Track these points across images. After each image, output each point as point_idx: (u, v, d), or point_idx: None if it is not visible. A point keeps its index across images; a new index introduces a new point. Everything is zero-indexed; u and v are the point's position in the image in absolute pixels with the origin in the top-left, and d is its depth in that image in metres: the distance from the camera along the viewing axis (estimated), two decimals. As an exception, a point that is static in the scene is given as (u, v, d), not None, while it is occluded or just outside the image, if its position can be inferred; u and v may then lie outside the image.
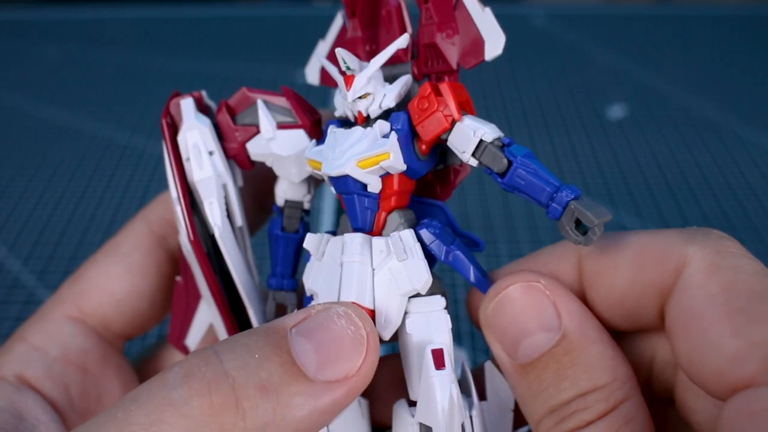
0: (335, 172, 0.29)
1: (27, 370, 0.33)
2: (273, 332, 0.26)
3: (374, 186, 0.30)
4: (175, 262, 0.37)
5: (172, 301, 0.37)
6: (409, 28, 0.32)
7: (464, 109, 0.30)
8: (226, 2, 1.31)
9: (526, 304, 0.28)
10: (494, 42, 0.30)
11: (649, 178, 0.76)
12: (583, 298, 0.30)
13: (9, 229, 0.71)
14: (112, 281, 0.36)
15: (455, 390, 0.28)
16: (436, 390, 0.28)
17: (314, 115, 0.33)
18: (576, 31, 1.10)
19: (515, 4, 1.32)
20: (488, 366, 0.31)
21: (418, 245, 0.29)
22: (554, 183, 0.28)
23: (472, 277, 0.30)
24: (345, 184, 0.30)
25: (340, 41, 0.34)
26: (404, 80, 0.31)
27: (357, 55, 0.31)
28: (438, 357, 0.28)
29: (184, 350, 0.36)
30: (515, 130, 0.85)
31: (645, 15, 1.19)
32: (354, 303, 0.28)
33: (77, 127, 0.88)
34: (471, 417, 0.29)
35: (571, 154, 0.81)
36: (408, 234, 0.30)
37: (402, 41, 0.30)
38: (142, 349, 0.41)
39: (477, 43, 0.30)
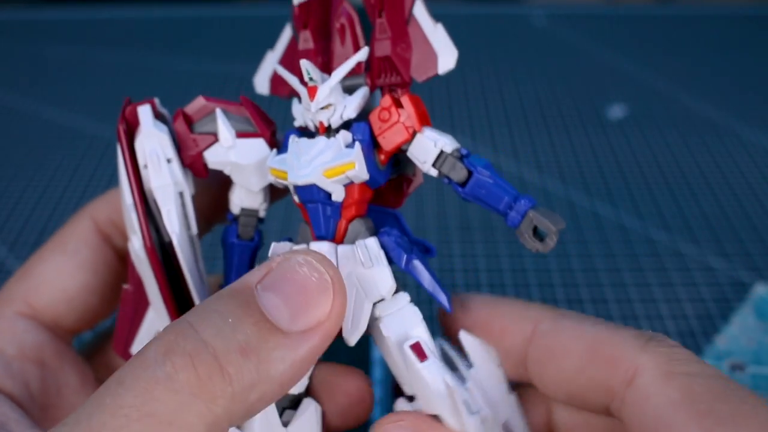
0: (302, 181, 0.30)
1: None
2: (239, 293, 0.26)
3: (338, 195, 0.30)
4: (123, 262, 0.37)
5: (118, 300, 0.36)
6: (363, 42, 0.33)
7: (423, 121, 0.31)
8: (226, 2, 1.31)
9: None
10: (447, 56, 0.31)
11: (649, 178, 0.76)
12: (523, 366, 0.32)
13: (9, 229, 0.71)
14: (64, 278, 0.36)
15: (446, 374, 0.29)
16: (428, 381, 0.29)
17: (271, 125, 0.33)
18: (576, 31, 1.10)
19: (515, 4, 1.32)
20: (462, 335, 0.33)
21: (382, 252, 0.31)
22: (512, 192, 0.30)
23: (427, 285, 0.31)
24: (310, 193, 0.31)
25: (290, 52, 0.35)
26: (363, 92, 0.31)
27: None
28: (418, 350, 0.30)
29: (130, 358, 0.36)
30: (515, 130, 0.85)
31: (645, 15, 1.19)
32: (311, 249, 0.29)
33: (77, 127, 0.88)
34: (469, 389, 0.30)
35: (571, 154, 0.81)
36: (373, 242, 0.31)
37: (362, 54, 0.31)
38: (82, 345, 0.41)
39: (430, 57, 0.31)
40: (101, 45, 1.09)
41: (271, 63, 0.36)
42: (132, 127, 0.34)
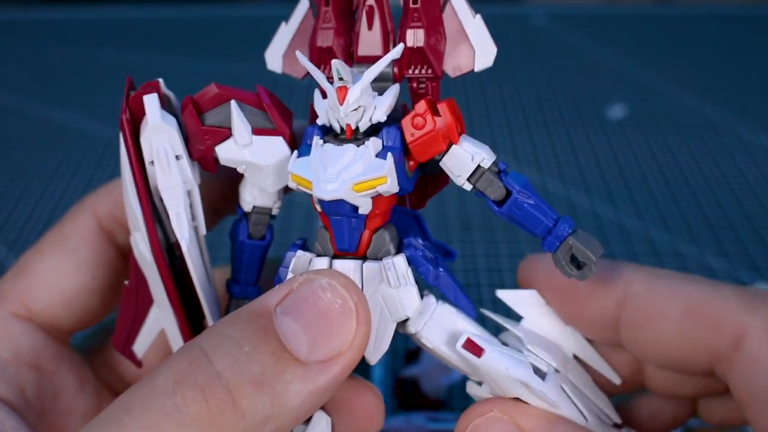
0: (329, 197, 0.28)
1: None
2: (257, 317, 0.25)
3: (365, 208, 0.29)
4: (125, 259, 0.35)
5: (119, 300, 0.35)
6: (391, 26, 0.30)
7: (460, 130, 0.29)
8: (226, 2, 1.31)
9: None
10: (485, 53, 0.29)
11: (649, 178, 0.76)
12: (614, 329, 0.30)
13: (9, 229, 0.70)
14: (62, 279, 0.34)
15: (509, 360, 0.28)
16: (494, 373, 0.28)
17: (290, 119, 0.31)
18: (576, 31, 1.10)
19: (515, 4, 1.32)
20: (500, 293, 0.32)
21: (410, 271, 0.29)
22: (552, 216, 0.28)
23: (453, 297, 0.30)
24: (336, 207, 0.29)
25: (305, 26, 0.32)
26: (394, 92, 0.29)
27: (329, 49, 0.30)
28: (472, 347, 0.28)
29: (131, 356, 0.34)
30: (515, 130, 0.85)
31: (645, 15, 1.19)
32: (336, 271, 0.28)
33: (77, 127, 0.88)
34: (529, 350, 0.30)
35: (571, 154, 0.81)
36: (401, 261, 0.29)
37: (396, 52, 0.28)
38: (79, 341, 0.39)
39: (466, 52, 0.29)
40: (101, 45, 1.09)
41: (285, 37, 0.33)
42: (136, 117, 0.30)
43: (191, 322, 0.33)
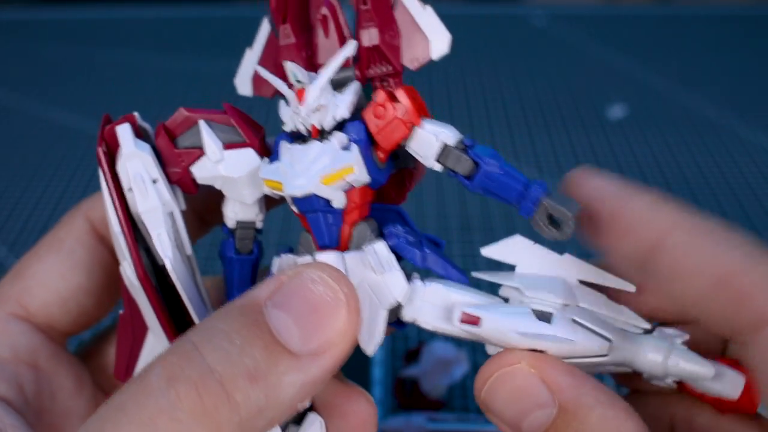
0: (299, 192, 0.28)
1: None
2: (248, 310, 0.25)
3: (339, 201, 0.29)
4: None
5: (116, 301, 0.36)
6: (348, 31, 0.31)
7: (421, 113, 0.29)
8: (226, 2, 1.32)
9: (516, 385, 0.28)
10: (439, 40, 0.29)
11: (649, 178, 0.76)
12: (642, 270, 0.29)
13: (9, 229, 0.71)
14: (58, 279, 0.34)
15: (508, 318, 0.28)
16: (502, 332, 0.28)
17: (259, 131, 0.32)
18: (576, 31, 1.10)
19: (515, 4, 1.32)
20: (484, 250, 0.31)
21: (392, 256, 0.29)
22: (523, 180, 0.28)
23: (444, 272, 0.30)
24: (309, 203, 0.29)
25: (270, 48, 0.33)
26: (354, 88, 0.29)
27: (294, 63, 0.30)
28: (469, 319, 0.28)
29: None
30: (515, 130, 0.85)
31: (645, 15, 1.19)
32: (325, 263, 0.28)
33: (77, 127, 0.88)
34: (529, 296, 0.29)
35: (571, 154, 0.81)
36: (382, 246, 0.29)
37: (350, 49, 0.29)
38: (81, 342, 0.40)
39: (421, 43, 0.29)
40: (101, 45, 1.09)
41: (251, 62, 0.34)
42: (113, 148, 0.32)
43: None
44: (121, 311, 0.34)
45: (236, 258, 0.33)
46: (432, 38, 0.29)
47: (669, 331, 0.30)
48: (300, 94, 0.28)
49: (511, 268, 0.31)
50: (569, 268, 0.30)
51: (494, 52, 1.05)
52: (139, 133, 0.32)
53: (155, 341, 0.33)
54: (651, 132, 0.85)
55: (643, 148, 0.82)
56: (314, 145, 0.29)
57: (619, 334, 0.29)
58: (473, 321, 0.28)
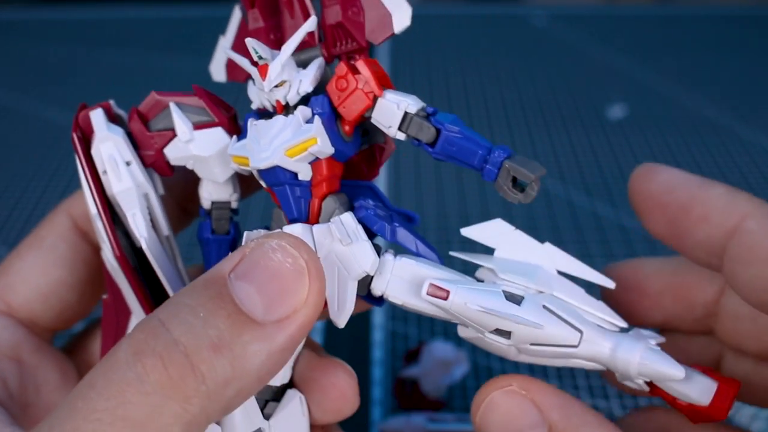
0: (264, 165, 0.29)
1: None
2: (212, 283, 0.25)
3: (305, 174, 0.29)
4: (100, 257, 0.36)
5: (98, 295, 0.36)
6: (312, 11, 0.31)
7: (383, 83, 0.29)
8: (226, 2, 1.32)
9: (508, 408, 0.28)
10: (400, 14, 0.29)
11: (649, 178, 0.76)
12: (718, 258, 0.30)
13: (9, 229, 0.71)
14: (39, 275, 0.35)
15: (477, 294, 0.28)
16: (469, 308, 0.28)
17: (229, 111, 0.32)
18: (576, 31, 1.10)
19: (515, 4, 1.32)
20: (464, 231, 0.32)
21: (360, 227, 0.29)
22: (485, 145, 0.28)
23: (416, 249, 0.30)
24: (275, 176, 0.29)
25: (242, 35, 0.33)
26: (318, 63, 0.30)
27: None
28: (437, 292, 0.28)
29: None
30: (515, 130, 0.85)
31: (645, 15, 1.19)
32: (286, 232, 0.28)
33: (77, 127, 0.88)
34: (503, 278, 0.29)
35: (571, 154, 0.81)
36: (348, 217, 0.29)
37: (310, 24, 0.29)
38: (70, 338, 0.40)
39: (384, 18, 0.29)
40: (101, 45, 1.09)
41: (224, 48, 0.34)
42: (87, 134, 0.32)
43: None
44: (104, 296, 0.34)
45: (213, 239, 0.34)
46: (394, 12, 0.29)
47: (645, 332, 0.30)
48: (263, 70, 0.29)
49: (490, 251, 0.31)
50: (549, 257, 0.30)
51: (494, 52, 1.05)
52: (114, 119, 0.33)
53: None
54: (651, 132, 0.85)
55: (643, 148, 0.82)
56: (278, 120, 0.29)
57: (592, 329, 0.29)
58: (441, 295, 0.28)
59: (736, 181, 0.76)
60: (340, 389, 0.33)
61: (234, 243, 0.34)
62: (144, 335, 0.24)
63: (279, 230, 0.30)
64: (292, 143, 0.28)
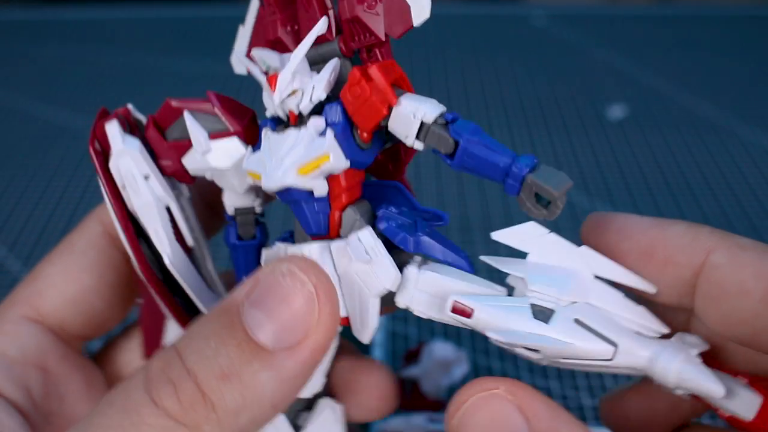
0: (276, 186, 0.27)
1: None
2: (225, 312, 0.25)
3: (321, 189, 0.28)
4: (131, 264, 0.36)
5: (129, 301, 0.36)
6: (329, 3, 0.29)
7: (400, 86, 0.28)
8: (226, 2, 1.31)
9: (492, 412, 0.26)
10: (420, 6, 0.27)
11: (649, 178, 0.76)
12: (690, 297, 0.28)
13: (9, 229, 0.70)
14: (68, 280, 0.35)
15: (503, 312, 0.27)
16: (495, 327, 0.27)
17: (246, 115, 0.31)
18: (576, 31, 1.10)
19: (515, 4, 1.32)
20: (495, 235, 0.29)
21: (379, 242, 0.28)
22: (506, 158, 0.26)
23: (442, 257, 0.28)
24: (289, 194, 0.28)
25: (261, 24, 0.32)
26: (332, 65, 0.28)
27: (279, 40, 0.29)
28: (461, 311, 0.27)
29: None
30: (515, 130, 0.85)
31: (645, 15, 1.19)
32: (297, 255, 0.27)
33: (77, 127, 0.88)
34: (534, 291, 0.27)
35: (571, 154, 0.81)
36: (366, 233, 0.28)
37: (321, 26, 0.28)
38: (100, 346, 0.40)
39: (402, 10, 0.28)
40: (101, 45, 1.09)
41: (244, 39, 0.33)
42: (105, 146, 0.32)
43: None
44: (139, 300, 0.35)
45: (239, 244, 0.33)
46: (413, 4, 0.27)
47: (689, 338, 0.28)
48: (272, 81, 0.27)
49: (523, 255, 0.29)
50: (585, 261, 0.28)
51: (494, 52, 1.05)
52: (134, 125, 0.32)
53: (176, 327, 0.34)
54: (651, 132, 0.85)
55: (643, 148, 0.82)
56: (290, 134, 0.28)
57: (629, 338, 0.27)
58: (465, 313, 0.27)
59: (736, 181, 0.76)
60: (381, 389, 0.33)
61: (261, 247, 0.33)
62: (161, 363, 0.25)
63: (293, 253, 0.29)
64: (303, 161, 0.27)
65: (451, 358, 0.54)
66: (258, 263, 0.33)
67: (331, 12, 0.29)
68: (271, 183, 0.27)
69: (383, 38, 0.28)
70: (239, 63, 0.33)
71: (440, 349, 0.54)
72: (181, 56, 1.03)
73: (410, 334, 0.58)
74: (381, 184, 0.31)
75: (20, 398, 0.32)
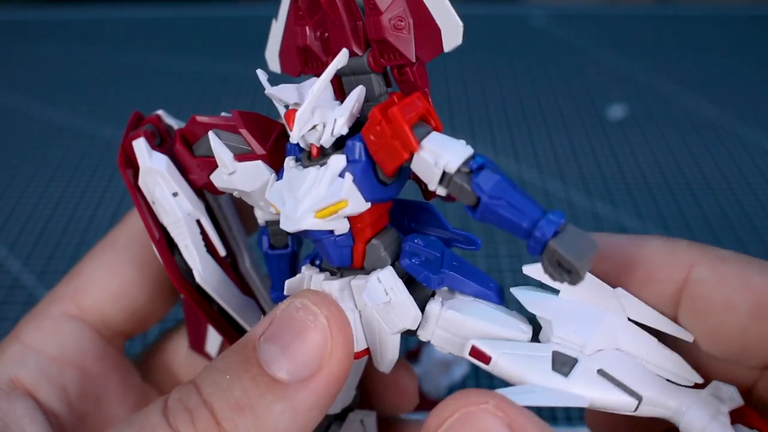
0: (293, 229, 0.26)
1: (21, 373, 0.32)
2: (242, 348, 0.26)
3: (341, 228, 0.27)
4: None
5: (172, 295, 0.36)
6: (357, 12, 0.28)
7: (427, 120, 0.26)
8: (226, 2, 1.31)
9: (479, 428, 0.24)
10: (451, 31, 0.26)
11: (649, 178, 0.76)
12: (674, 313, 0.28)
13: (9, 229, 0.70)
14: (110, 275, 0.35)
15: (520, 363, 0.26)
16: (511, 377, 0.26)
17: (271, 131, 0.30)
18: (576, 31, 1.10)
19: (515, 4, 1.32)
20: (526, 269, 0.28)
21: (399, 282, 0.27)
22: (529, 219, 0.24)
23: (469, 290, 0.28)
24: (307, 235, 0.28)
25: (293, 18, 0.30)
26: (356, 96, 0.27)
27: (308, 47, 0.29)
28: (479, 356, 0.27)
29: (207, 357, 0.36)
30: (515, 131, 0.85)
31: (645, 15, 1.19)
32: (311, 290, 0.28)
33: (77, 127, 0.88)
34: (557, 341, 0.26)
35: (571, 154, 0.81)
36: (387, 273, 0.27)
37: (341, 59, 0.26)
38: (144, 347, 0.40)
39: (433, 33, 0.26)
40: (101, 45, 1.09)
41: (277, 35, 0.31)
42: (135, 160, 0.32)
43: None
44: (182, 296, 0.35)
45: (272, 253, 0.33)
46: (444, 29, 0.26)
47: (725, 390, 0.27)
48: (289, 117, 0.26)
49: (555, 291, 0.28)
50: (619, 303, 0.27)
51: (494, 52, 1.05)
52: (165, 133, 0.32)
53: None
54: (651, 132, 0.85)
55: (643, 148, 0.82)
56: (310, 173, 0.26)
57: (657, 388, 0.26)
58: (484, 358, 0.26)
59: (736, 181, 0.76)
60: (403, 387, 0.34)
61: (294, 256, 0.33)
62: (179, 394, 0.26)
63: (308, 287, 0.29)
64: (321, 205, 0.26)
65: (451, 358, 0.54)
66: (291, 272, 0.34)
67: (360, 23, 0.28)
68: (289, 226, 0.27)
69: (413, 60, 0.27)
70: (273, 59, 0.32)
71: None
72: (181, 56, 1.03)
73: (410, 334, 0.58)
74: (413, 204, 0.30)
75: (54, 398, 0.32)
